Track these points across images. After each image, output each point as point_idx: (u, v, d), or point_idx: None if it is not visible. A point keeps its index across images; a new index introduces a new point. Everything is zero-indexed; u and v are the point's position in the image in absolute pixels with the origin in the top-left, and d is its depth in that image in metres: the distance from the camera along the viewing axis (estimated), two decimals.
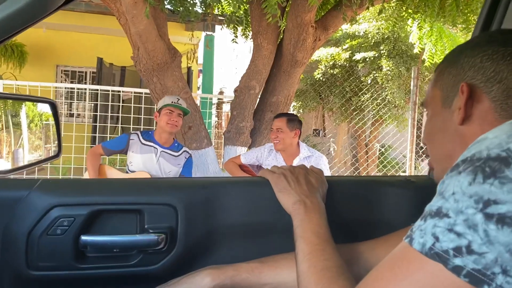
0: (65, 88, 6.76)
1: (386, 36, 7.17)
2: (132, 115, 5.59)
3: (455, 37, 5.87)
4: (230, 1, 3.95)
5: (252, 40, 4.23)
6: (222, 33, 7.06)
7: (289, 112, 4.45)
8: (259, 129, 4.32)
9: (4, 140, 1.88)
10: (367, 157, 7.81)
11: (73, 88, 6.62)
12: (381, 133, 7.71)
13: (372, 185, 0.98)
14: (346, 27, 7.39)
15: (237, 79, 4.38)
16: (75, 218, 0.80)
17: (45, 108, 1.45)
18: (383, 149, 7.90)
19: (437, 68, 0.68)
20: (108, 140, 4.39)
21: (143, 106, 5.52)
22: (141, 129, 5.20)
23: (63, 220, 0.79)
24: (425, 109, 0.71)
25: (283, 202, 0.79)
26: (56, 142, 1.27)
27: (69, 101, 7.42)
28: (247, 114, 4.18)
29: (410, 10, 4.53)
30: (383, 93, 7.17)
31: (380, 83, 7.13)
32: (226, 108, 7.58)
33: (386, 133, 7.41)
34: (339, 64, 7.61)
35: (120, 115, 6.00)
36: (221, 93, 9.93)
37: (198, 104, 6.84)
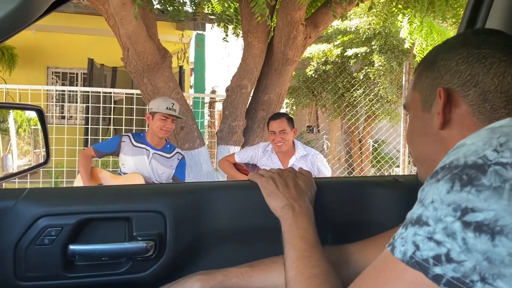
0: (56, 90, 6.70)
1: (377, 31, 7.16)
2: (124, 116, 5.55)
3: (445, 32, 5.89)
4: (220, 0, 3.93)
5: (242, 38, 4.23)
6: (213, 32, 7.03)
7: (282, 111, 4.45)
8: (251, 128, 4.32)
9: None
10: (360, 152, 7.82)
11: (64, 90, 6.57)
12: (374, 129, 7.72)
13: (361, 185, 0.98)
14: (337, 23, 7.38)
15: (230, 77, 4.38)
16: (62, 228, 0.80)
17: (33, 114, 1.44)
18: (376, 145, 7.91)
19: (416, 70, 0.67)
20: (100, 142, 4.36)
21: (135, 107, 5.48)
22: (134, 130, 5.18)
23: (51, 230, 0.79)
24: (407, 112, 0.71)
25: (272, 206, 0.79)
26: (45, 148, 1.26)
27: (60, 103, 7.34)
28: (239, 113, 4.17)
29: (400, 6, 4.54)
30: (375, 89, 7.18)
31: (372, 78, 7.14)
32: (219, 107, 7.56)
33: (379, 129, 7.43)
34: (331, 60, 7.61)
35: (112, 116, 5.96)
36: (213, 92, 9.90)
37: (191, 104, 6.82)
